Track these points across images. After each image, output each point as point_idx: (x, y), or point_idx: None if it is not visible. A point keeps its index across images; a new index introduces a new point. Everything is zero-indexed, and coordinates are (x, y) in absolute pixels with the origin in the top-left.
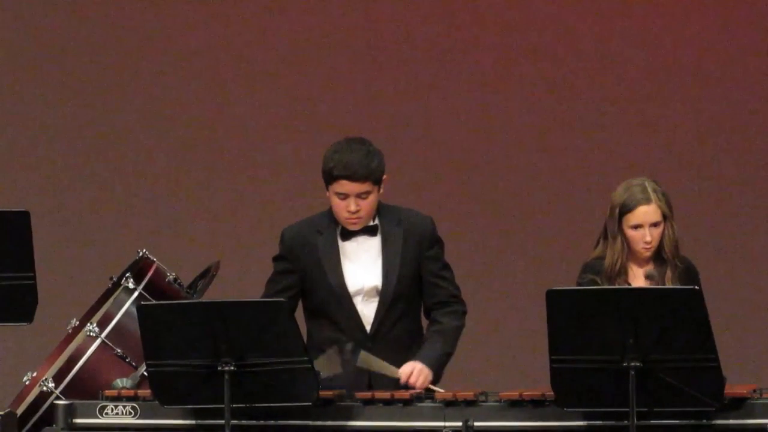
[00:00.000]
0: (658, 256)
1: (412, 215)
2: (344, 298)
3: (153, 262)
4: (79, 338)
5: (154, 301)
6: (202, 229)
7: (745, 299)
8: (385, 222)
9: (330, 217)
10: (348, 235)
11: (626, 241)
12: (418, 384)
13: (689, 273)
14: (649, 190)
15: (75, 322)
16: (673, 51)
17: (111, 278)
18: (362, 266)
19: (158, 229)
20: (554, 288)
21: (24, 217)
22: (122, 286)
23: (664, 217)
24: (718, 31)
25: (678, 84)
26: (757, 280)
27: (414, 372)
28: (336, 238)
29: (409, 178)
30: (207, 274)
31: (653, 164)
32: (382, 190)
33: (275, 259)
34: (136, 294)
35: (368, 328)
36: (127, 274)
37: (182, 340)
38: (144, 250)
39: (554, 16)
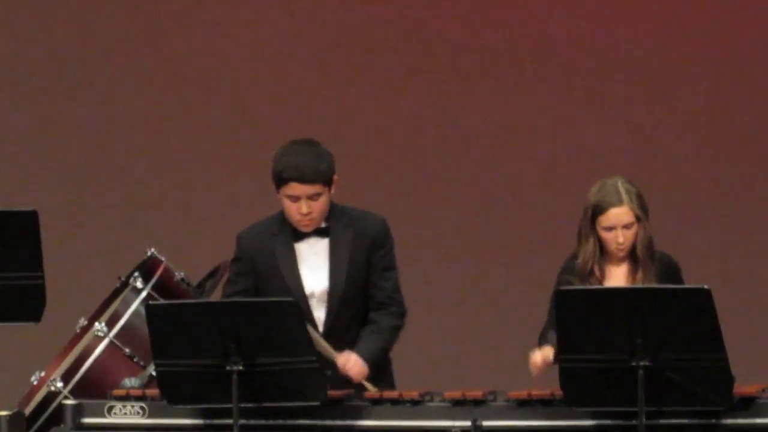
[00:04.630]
0: (634, 256)
1: (363, 216)
2: (301, 301)
3: (161, 261)
4: (88, 338)
5: (162, 301)
6: (211, 229)
7: (755, 298)
8: (336, 224)
9: (283, 219)
10: (299, 236)
11: (600, 241)
12: (353, 374)
13: (669, 271)
14: (622, 191)
15: (83, 321)
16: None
17: (119, 278)
18: (312, 268)
19: (167, 229)
20: (563, 288)
21: (32, 216)
22: (131, 286)
23: (638, 218)
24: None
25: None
26: (766, 279)
27: (350, 361)
28: (290, 241)
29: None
30: (215, 274)
31: (650, 161)
32: (333, 191)
33: (232, 261)
34: (144, 294)
35: (321, 329)
36: (136, 274)
37: (190, 339)
38: (153, 250)
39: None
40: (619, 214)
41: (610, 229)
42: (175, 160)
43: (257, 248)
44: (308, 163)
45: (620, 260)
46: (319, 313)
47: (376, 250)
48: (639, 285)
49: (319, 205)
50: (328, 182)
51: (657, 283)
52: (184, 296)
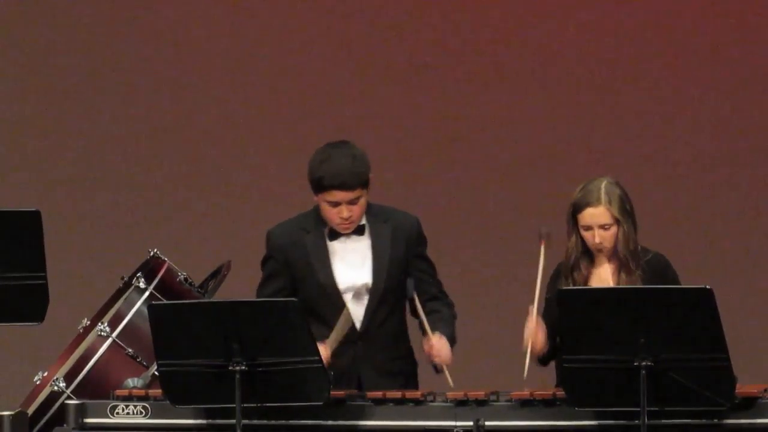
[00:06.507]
0: (619, 256)
1: (398, 214)
2: (335, 296)
3: (164, 261)
4: (90, 338)
5: (165, 301)
6: (213, 228)
7: (757, 298)
8: (373, 221)
9: (316, 216)
10: (335, 234)
11: (582, 239)
12: (443, 357)
13: (660, 272)
14: (603, 192)
15: (86, 321)
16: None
17: (122, 278)
18: (351, 265)
19: (169, 229)
20: (565, 288)
21: (35, 216)
22: (133, 286)
23: (616, 220)
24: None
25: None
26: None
27: (444, 345)
28: (324, 238)
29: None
30: (218, 274)
31: (652, 160)
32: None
33: (264, 261)
34: (147, 293)
35: (358, 325)
36: (138, 274)
37: (193, 339)
38: (155, 250)
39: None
40: (595, 215)
41: (587, 228)
42: (177, 160)
43: (289, 243)
44: (348, 170)
45: (606, 260)
46: (358, 309)
47: (413, 248)
48: (641, 285)
49: (359, 208)
50: (366, 184)
51: (643, 284)
52: (187, 296)
